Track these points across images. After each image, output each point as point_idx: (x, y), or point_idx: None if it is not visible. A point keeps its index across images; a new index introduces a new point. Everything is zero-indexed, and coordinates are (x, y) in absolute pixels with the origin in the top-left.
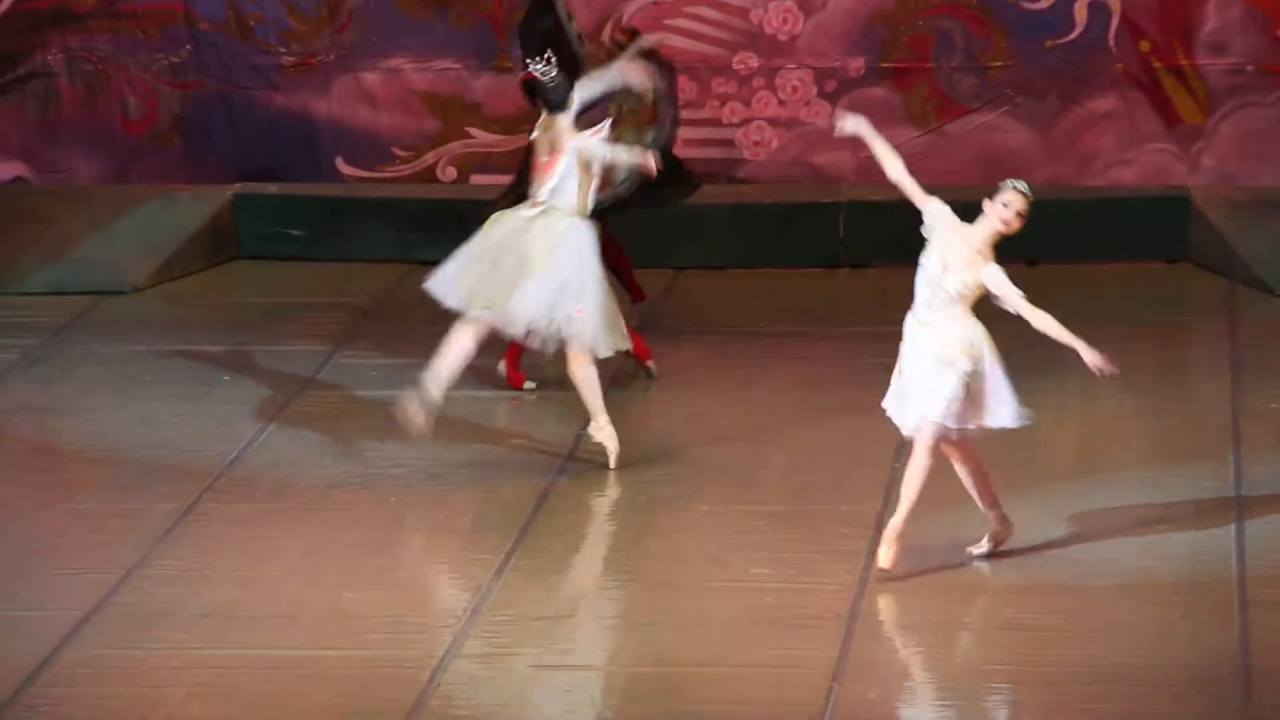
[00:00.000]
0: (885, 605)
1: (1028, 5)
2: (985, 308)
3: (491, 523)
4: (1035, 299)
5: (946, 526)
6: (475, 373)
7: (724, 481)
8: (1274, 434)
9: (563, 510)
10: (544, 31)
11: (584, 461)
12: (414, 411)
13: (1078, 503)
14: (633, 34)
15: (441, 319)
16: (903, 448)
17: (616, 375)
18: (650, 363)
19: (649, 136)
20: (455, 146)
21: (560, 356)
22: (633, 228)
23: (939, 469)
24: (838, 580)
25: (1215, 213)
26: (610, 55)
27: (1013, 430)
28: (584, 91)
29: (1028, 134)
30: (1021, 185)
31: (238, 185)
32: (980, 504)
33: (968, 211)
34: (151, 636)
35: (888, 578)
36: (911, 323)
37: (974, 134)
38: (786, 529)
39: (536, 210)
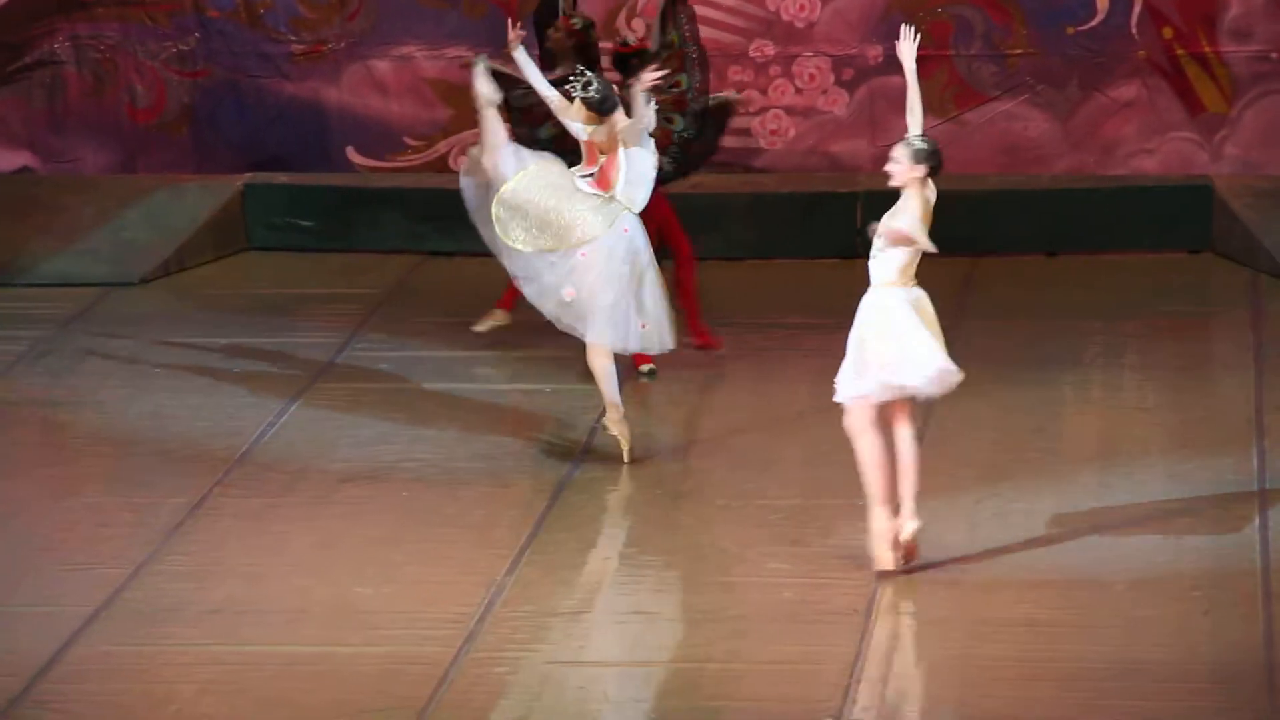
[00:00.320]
0: (903, 601)
1: None
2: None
3: (505, 517)
4: (1056, 289)
5: (963, 520)
6: (488, 365)
7: (740, 475)
8: None
9: (577, 504)
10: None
11: (598, 455)
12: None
13: (1098, 496)
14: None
15: (454, 310)
16: (922, 442)
17: (627, 374)
18: (648, 365)
19: (679, 125)
20: (468, 135)
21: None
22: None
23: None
24: (855, 575)
25: (1238, 202)
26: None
27: (1031, 421)
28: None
29: (1048, 122)
30: (919, 139)
31: (247, 175)
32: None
33: (985, 201)
34: (161, 632)
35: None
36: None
37: (994, 122)
38: (803, 523)
39: (604, 194)
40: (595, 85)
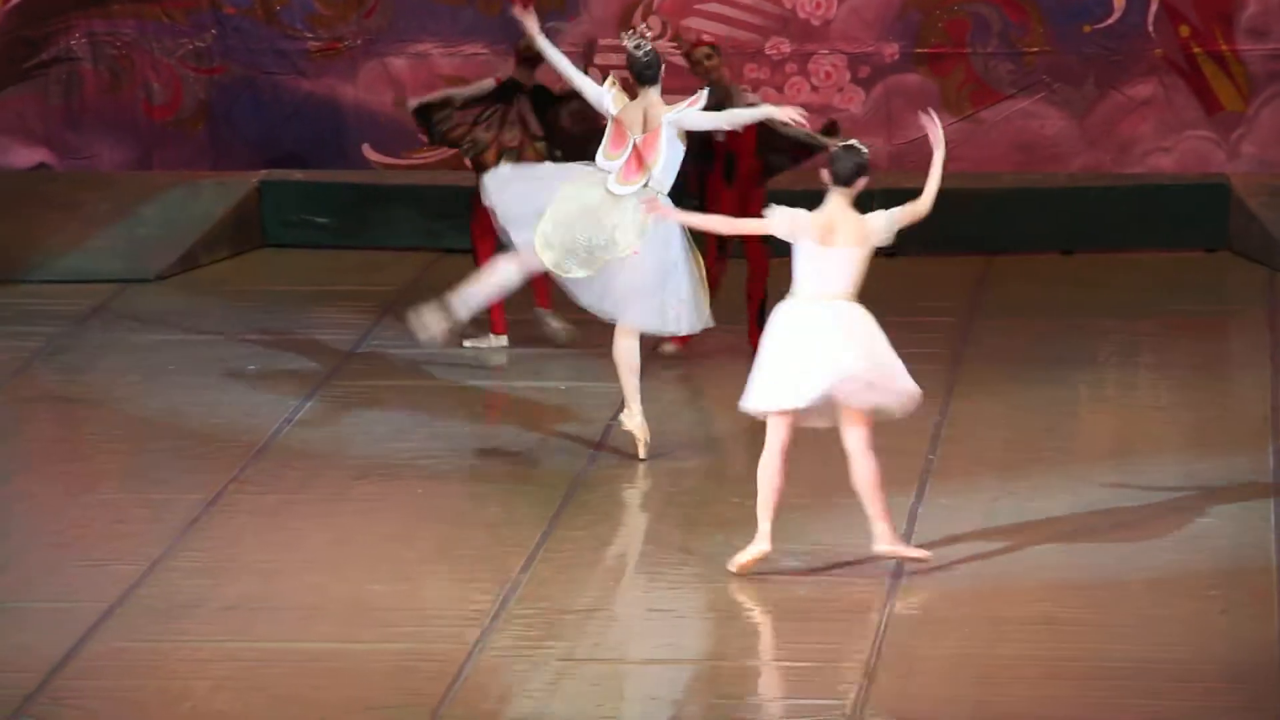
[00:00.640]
0: (919, 599)
1: None
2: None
3: (520, 514)
4: (1071, 288)
5: (979, 518)
6: (502, 362)
7: (754, 473)
8: None
9: (592, 501)
10: None
11: (614, 452)
12: (431, 320)
13: (1114, 495)
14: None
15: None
16: (938, 439)
17: (645, 366)
18: (672, 345)
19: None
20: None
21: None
22: None
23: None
24: (870, 574)
25: (1255, 201)
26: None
27: (1046, 420)
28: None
29: (1065, 121)
30: (845, 143)
31: (263, 172)
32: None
33: (1001, 199)
34: (176, 629)
35: (921, 569)
36: (789, 308)
37: (1010, 121)
38: (818, 522)
39: (634, 183)
40: (648, 46)
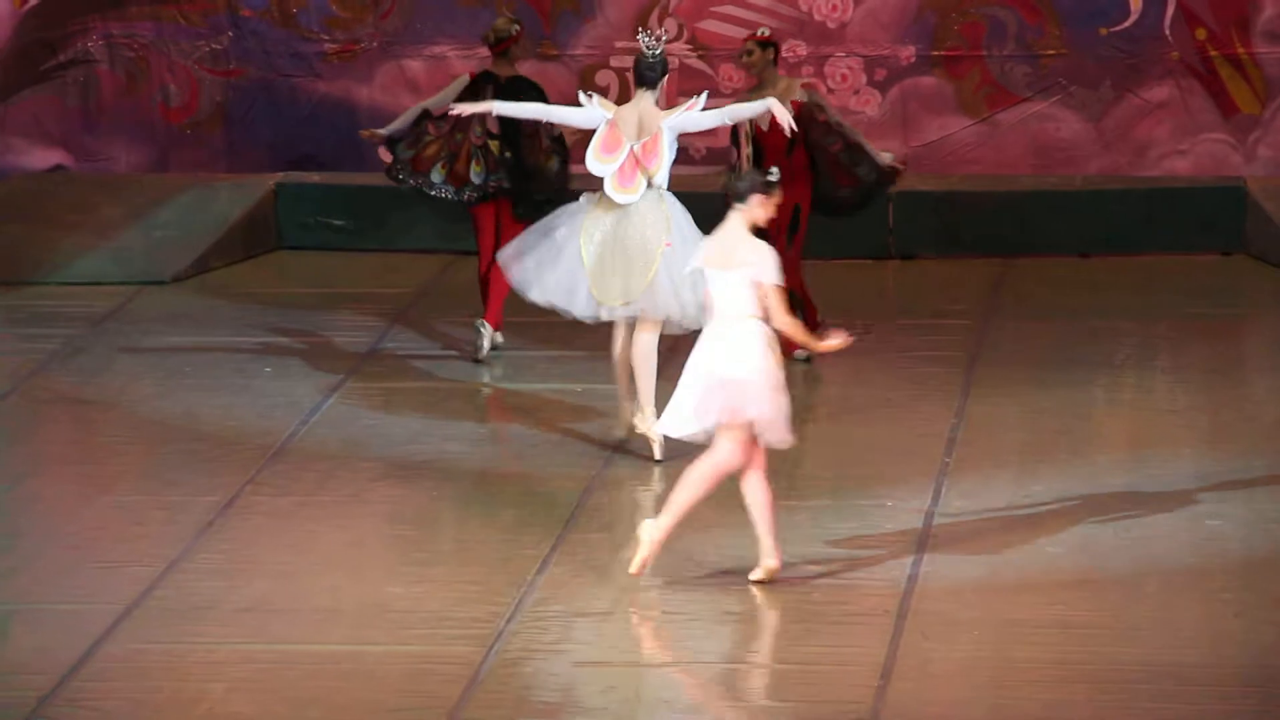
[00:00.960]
0: (934, 602)
1: None
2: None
3: (536, 517)
4: (1088, 291)
5: (994, 521)
6: (519, 364)
7: (770, 475)
8: None
9: (608, 504)
10: None
11: (629, 454)
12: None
13: (1129, 498)
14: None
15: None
16: (953, 442)
17: (661, 368)
18: (803, 352)
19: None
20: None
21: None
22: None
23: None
24: (885, 576)
25: (1272, 204)
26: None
27: (1062, 423)
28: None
29: (1081, 124)
30: (774, 175)
31: (279, 174)
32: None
33: (1017, 202)
34: (192, 631)
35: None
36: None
37: (1026, 123)
38: (833, 524)
39: (634, 195)
40: (659, 50)
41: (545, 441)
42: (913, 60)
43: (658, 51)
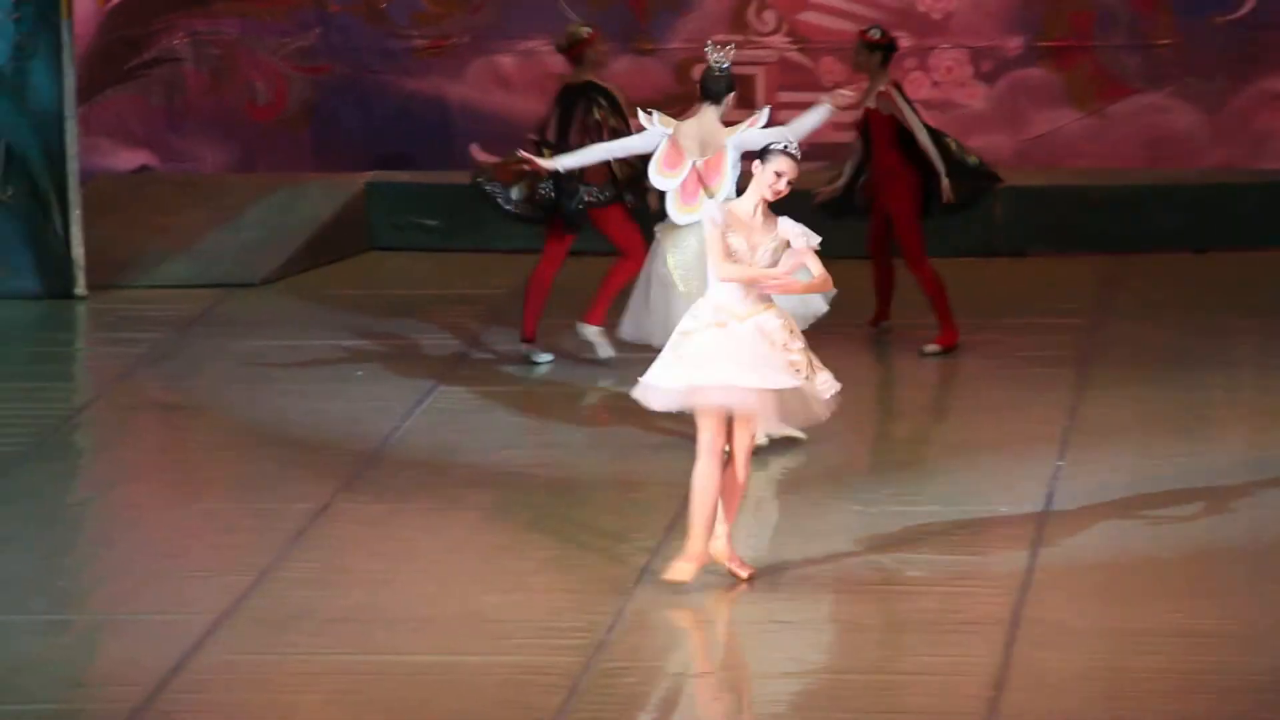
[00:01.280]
0: (1049, 610)
1: None
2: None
3: (635, 522)
4: (1204, 287)
5: (1110, 526)
6: (617, 367)
7: (875, 480)
8: None
9: None
10: None
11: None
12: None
13: (1250, 501)
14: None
15: (581, 310)
16: (1066, 445)
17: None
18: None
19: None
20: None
21: None
22: None
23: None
24: (998, 583)
25: None
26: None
27: (1179, 424)
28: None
29: (1196, 115)
30: (792, 148)
31: (369, 174)
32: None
33: (1130, 197)
34: (285, 641)
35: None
36: (724, 316)
37: (1139, 116)
38: (943, 530)
39: (695, 215)
40: (726, 65)
41: (645, 446)
42: (1020, 51)
43: (725, 65)
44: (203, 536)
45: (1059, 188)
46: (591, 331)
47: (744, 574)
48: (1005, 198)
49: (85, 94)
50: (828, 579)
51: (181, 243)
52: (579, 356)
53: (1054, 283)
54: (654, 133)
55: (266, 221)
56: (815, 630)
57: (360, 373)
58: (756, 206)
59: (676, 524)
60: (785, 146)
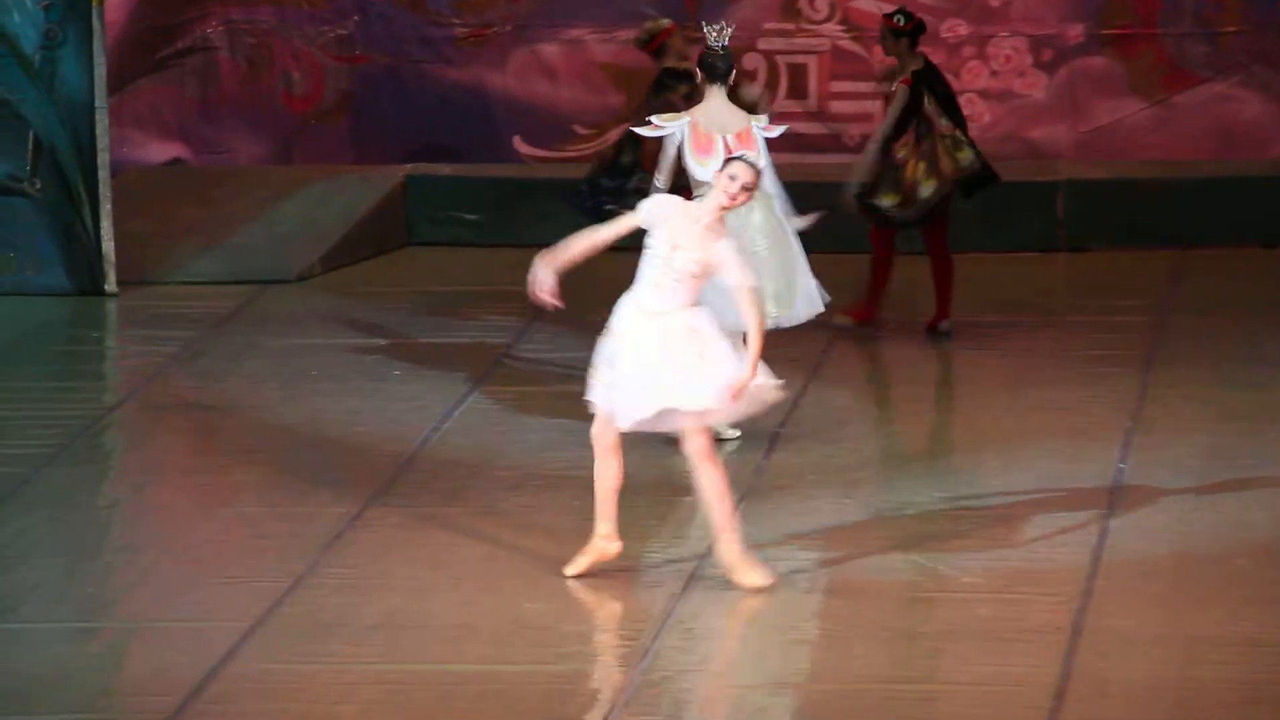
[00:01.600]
0: (1110, 618)
1: None
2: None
3: (680, 527)
4: (1273, 283)
5: (1174, 531)
6: None
7: (932, 483)
8: None
9: (757, 515)
10: None
11: (778, 464)
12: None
13: None
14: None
15: None
16: (1129, 446)
17: (817, 368)
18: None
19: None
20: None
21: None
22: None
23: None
24: (1058, 590)
25: None
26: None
27: (1247, 425)
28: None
29: (1264, 105)
30: (750, 156)
31: (408, 166)
32: (605, 510)
33: (1196, 189)
34: (320, 649)
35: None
36: (632, 310)
37: (1206, 105)
38: (1000, 535)
39: (752, 210)
40: (725, 42)
41: None
42: (1081, 39)
43: (724, 44)
44: (235, 541)
45: (1122, 180)
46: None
47: (756, 582)
48: (1067, 191)
49: (116, 84)
50: (880, 585)
51: (215, 238)
52: None
53: (1117, 278)
54: (670, 128)
55: (302, 216)
56: (867, 639)
57: (398, 372)
58: (712, 212)
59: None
60: (748, 156)
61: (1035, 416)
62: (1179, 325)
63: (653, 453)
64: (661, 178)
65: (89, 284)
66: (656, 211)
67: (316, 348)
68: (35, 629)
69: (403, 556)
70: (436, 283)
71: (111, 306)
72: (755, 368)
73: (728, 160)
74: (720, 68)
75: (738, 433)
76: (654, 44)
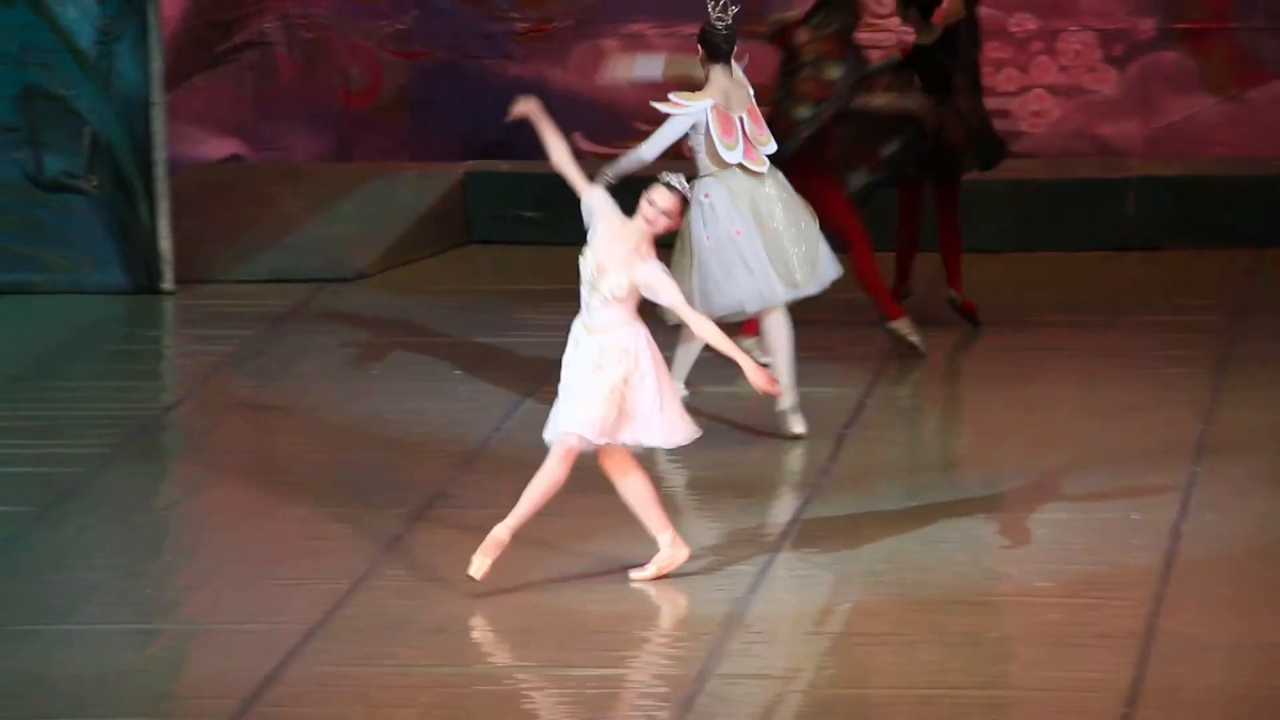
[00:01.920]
0: (1184, 623)
1: None
2: None
3: (747, 530)
4: None
5: (1250, 538)
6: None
7: (1001, 486)
8: None
9: (825, 516)
10: None
11: (847, 464)
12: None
13: None
14: None
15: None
16: (1202, 450)
17: (881, 368)
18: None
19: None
20: None
21: None
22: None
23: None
24: (1130, 595)
25: None
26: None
27: None
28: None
29: None
30: (675, 180)
31: (468, 163)
32: (647, 527)
33: (1271, 187)
34: (381, 652)
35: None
36: (578, 326)
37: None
38: (1071, 538)
39: (764, 165)
40: (729, 20)
41: (759, 450)
42: (1153, 34)
43: (728, 22)
44: (294, 543)
45: (1194, 177)
46: (900, 325)
47: (645, 574)
48: (1138, 188)
49: (172, 80)
50: (949, 591)
51: (272, 235)
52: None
53: (1189, 278)
54: (697, 108)
55: (361, 213)
56: (937, 644)
57: (458, 371)
58: (638, 235)
59: (791, 530)
60: (671, 180)
61: (1106, 418)
62: (1252, 325)
63: (722, 455)
64: (650, 150)
65: (145, 282)
66: (596, 211)
67: (375, 347)
68: (94, 631)
69: (463, 558)
70: (497, 281)
71: (168, 305)
72: (750, 366)
73: (653, 183)
74: (724, 48)
75: (803, 428)
76: (784, 37)
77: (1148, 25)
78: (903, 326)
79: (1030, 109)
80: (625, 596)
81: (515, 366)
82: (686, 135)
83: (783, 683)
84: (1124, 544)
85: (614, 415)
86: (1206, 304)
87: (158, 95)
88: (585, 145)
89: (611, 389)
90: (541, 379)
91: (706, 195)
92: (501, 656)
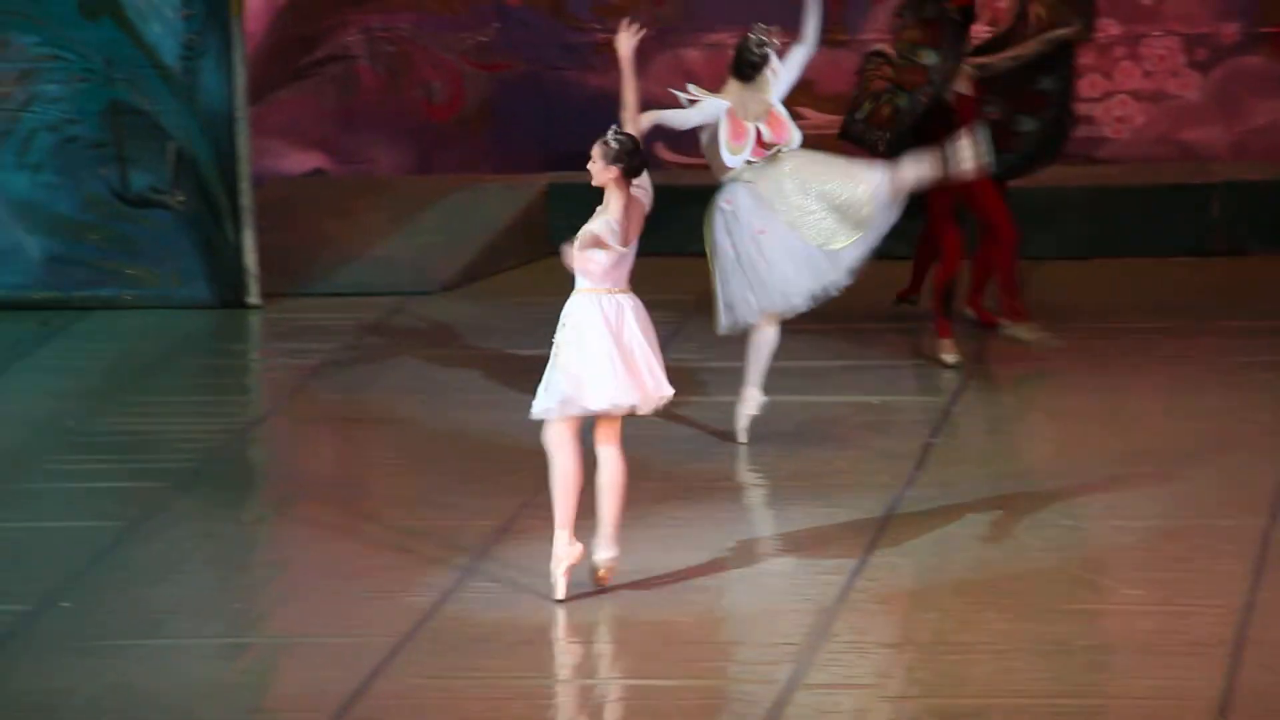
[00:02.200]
0: (1275, 631)
1: None
2: None
3: (833, 540)
4: None
5: None
6: (812, 376)
7: (1089, 493)
8: None
9: (911, 526)
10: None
11: (932, 473)
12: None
13: None
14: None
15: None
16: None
17: (969, 376)
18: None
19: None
20: None
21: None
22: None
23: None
24: (1220, 603)
25: None
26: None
27: None
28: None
29: None
30: (610, 136)
31: (550, 175)
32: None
33: None
34: (470, 664)
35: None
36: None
37: None
38: (1161, 546)
39: (780, 161)
40: (766, 50)
41: (842, 458)
42: (1237, 38)
43: (765, 51)
44: (382, 555)
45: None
46: (1022, 330)
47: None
48: (1223, 192)
49: (256, 94)
50: (1039, 599)
51: (356, 249)
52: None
53: (1275, 282)
54: (711, 105)
55: (444, 225)
56: (1027, 653)
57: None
58: (603, 228)
59: (877, 539)
60: (612, 129)
61: (1192, 424)
62: None
63: (807, 464)
64: (679, 119)
65: (232, 296)
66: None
67: (460, 358)
68: (183, 645)
69: (550, 569)
70: None
71: (254, 319)
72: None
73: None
74: (749, 72)
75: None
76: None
77: (1231, 29)
78: (1023, 331)
79: (1114, 114)
80: (712, 606)
81: None
82: (703, 140)
83: (872, 693)
84: (1214, 551)
85: (563, 386)
86: None
87: (241, 110)
88: (667, 156)
89: (551, 362)
90: None
91: (728, 203)
92: (590, 668)
